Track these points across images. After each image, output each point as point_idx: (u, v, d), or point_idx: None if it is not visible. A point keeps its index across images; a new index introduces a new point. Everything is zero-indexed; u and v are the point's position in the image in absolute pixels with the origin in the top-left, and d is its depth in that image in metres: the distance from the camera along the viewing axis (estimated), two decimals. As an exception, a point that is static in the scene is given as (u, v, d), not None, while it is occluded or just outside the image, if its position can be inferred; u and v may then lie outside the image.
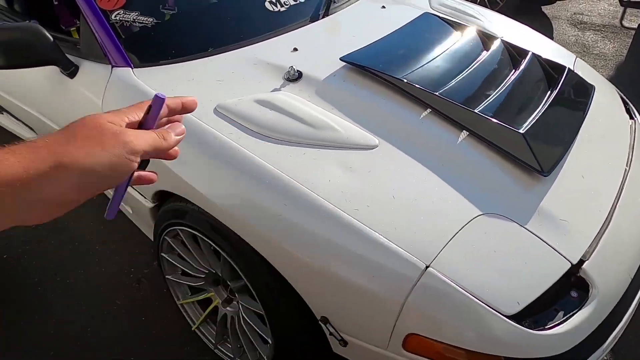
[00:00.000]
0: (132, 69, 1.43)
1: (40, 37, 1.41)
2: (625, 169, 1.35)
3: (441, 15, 1.85)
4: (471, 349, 0.97)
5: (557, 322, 1.02)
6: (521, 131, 1.22)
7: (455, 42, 1.60)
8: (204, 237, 1.23)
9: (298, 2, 1.81)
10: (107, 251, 1.93)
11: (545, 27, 4.05)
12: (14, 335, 1.63)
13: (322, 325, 1.11)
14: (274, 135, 1.20)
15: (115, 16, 1.49)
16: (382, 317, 1.02)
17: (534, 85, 1.49)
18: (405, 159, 1.20)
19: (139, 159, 0.47)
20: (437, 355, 1.01)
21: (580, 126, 1.38)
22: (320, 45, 1.59)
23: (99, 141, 0.44)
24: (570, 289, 1.08)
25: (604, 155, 1.38)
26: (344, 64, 1.46)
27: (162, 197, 1.40)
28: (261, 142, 1.19)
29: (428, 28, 1.69)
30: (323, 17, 1.80)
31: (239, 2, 1.78)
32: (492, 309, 0.96)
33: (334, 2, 1.87)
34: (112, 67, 1.45)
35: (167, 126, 0.52)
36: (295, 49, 1.54)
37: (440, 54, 1.52)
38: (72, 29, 2.19)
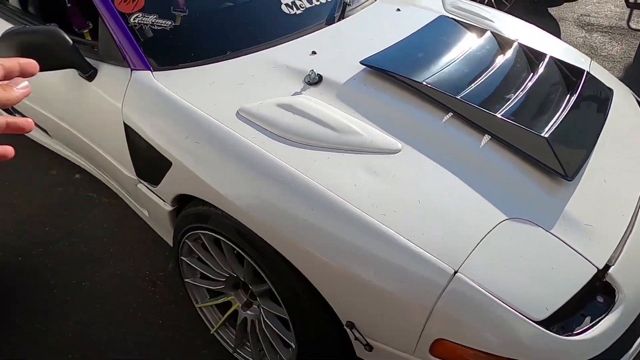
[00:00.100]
0: (151, 72, 1.43)
1: (60, 40, 1.41)
2: (647, 173, 1.35)
3: (456, 17, 1.85)
4: (500, 354, 0.97)
5: (585, 328, 1.02)
6: (545, 135, 1.22)
7: (473, 45, 1.60)
8: (228, 241, 1.23)
9: (313, 4, 1.81)
10: (121, 253, 1.93)
11: (552, 28, 4.05)
12: (32, 338, 1.63)
13: (348, 330, 1.11)
14: (298, 139, 1.20)
15: (133, 19, 1.49)
16: (409, 322, 1.02)
17: (553, 89, 1.49)
18: (428, 163, 1.20)
19: None
20: (465, 361, 1.00)
21: (601, 130, 1.38)
22: (338, 48, 1.59)
23: None
24: (596, 294, 1.08)
25: (625, 159, 1.38)
26: (364, 67, 1.46)
27: (182, 201, 1.40)
28: (285, 146, 1.18)
29: (445, 31, 1.69)
30: (339, 19, 1.80)
31: (256, 5, 1.78)
32: (521, 314, 0.96)
33: (349, 4, 1.87)
34: (132, 70, 1.44)
35: (7, 82, 0.50)
36: (314, 52, 1.54)
37: (458, 58, 1.52)
38: (84, 31, 2.19)
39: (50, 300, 1.75)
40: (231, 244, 1.22)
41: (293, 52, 1.55)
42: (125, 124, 1.42)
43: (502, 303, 0.96)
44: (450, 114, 1.32)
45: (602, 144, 1.36)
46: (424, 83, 1.35)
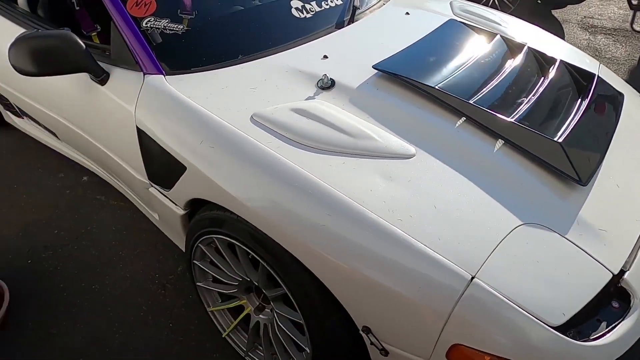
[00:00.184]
0: (164, 76, 1.43)
1: (73, 44, 1.41)
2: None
3: (465, 21, 1.85)
4: (517, 359, 0.97)
5: (601, 333, 1.02)
6: (559, 140, 1.22)
7: (484, 49, 1.61)
8: (242, 246, 1.23)
9: (323, 8, 1.82)
10: (131, 257, 1.93)
11: (556, 31, 4.05)
12: (42, 342, 1.63)
13: (364, 334, 1.11)
14: (313, 144, 1.20)
15: (145, 23, 1.50)
16: (426, 328, 1.02)
17: (564, 93, 1.50)
18: (443, 168, 1.20)
19: None
20: (482, 366, 1.01)
21: (613, 134, 1.38)
22: (350, 53, 1.60)
23: None
24: (611, 299, 1.09)
25: (637, 163, 1.38)
26: (376, 71, 1.46)
27: (194, 205, 1.41)
28: (300, 151, 1.19)
29: (455, 35, 1.70)
30: (348, 23, 1.80)
31: (267, 9, 1.78)
32: (538, 320, 0.96)
33: (358, 8, 1.87)
34: (144, 74, 1.45)
35: None
36: (325, 57, 1.55)
37: (470, 62, 1.52)
38: (93, 34, 2.20)
39: (60, 303, 1.76)
40: (246, 248, 1.23)
41: (304, 56, 1.55)
42: (138, 128, 1.42)
43: (519, 308, 0.97)
44: (463, 118, 1.32)
45: (614, 149, 1.37)
46: (437, 88, 1.35)
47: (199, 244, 1.39)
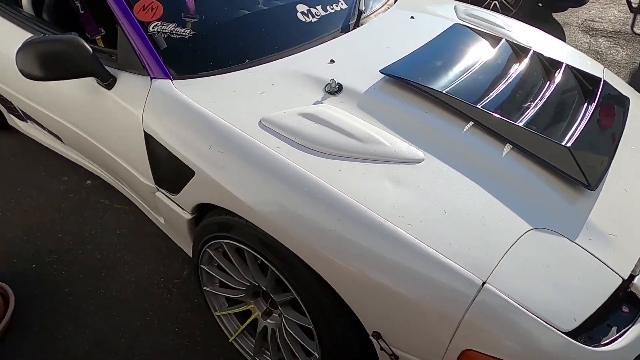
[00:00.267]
0: (171, 80, 1.43)
1: (81, 49, 1.41)
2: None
3: (470, 25, 1.85)
4: (529, 365, 0.97)
5: (612, 338, 1.02)
6: (567, 145, 1.22)
7: (489, 53, 1.61)
8: (252, 251, 1.23)
9: (328, 12, 1.82)
10: (136, 260, 1.93)
11: (557, 34, 4.06)
12: (48, 347, 1.63)
13: (374, 340, 1.11)
14: (322, 149, 1.20)
15: (152, 28, 1.50)
16: (437, 333, 1.02)
17: (570, 97, 1.50)
18: (452, 172, 1.20)
19: None
20: (494, 371, 1.01)
21: (620, 139, 1.39)
22: (356, 57, 1.60)
23: None
24: (621, 304, 1.09)
25: (644, 168, 1.39)
26: (383, 75, 1.46)
27: (202, 209, 1.41)
28: (309, 156, 1.19)
29: (461, 39, 1.70)
30: (354, 27, 1.81)
31: (273, 14, 1.78)
32: (550, 325, 0.96)
33: (363, 12, 1.87)
34: (151, 78, 1.45)
35: None
36: (332, 61, 1.55)
37: (476, 66, 1.53)
38: (97, 38, 2.20)
39: (65, 307, 1.75)
40: (255, 253, 1.23)
41: (311, 61, 1.55)
42: (145, 133, 1.42)
43: (530, 314, 0.97)
44: (471, 123, 1.33)
45: (621, 153, 1.37)
46: (444, 92, 1.36)
47: (207, 249, 1.38)
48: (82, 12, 2.14)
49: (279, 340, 1.38)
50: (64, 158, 2.25)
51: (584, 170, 1.20)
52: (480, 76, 1.49)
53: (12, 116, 2.43)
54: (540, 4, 4.22)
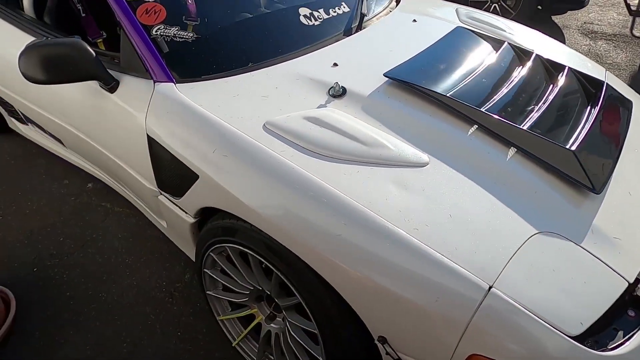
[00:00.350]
0: (174, 84, 1.43)
1: (84, 52, 1.41)
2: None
3: (472, 28, 1.86)
4: (536, 369, 0.97)
5: (618, 342, 1.02)
6: (572, 148, 1.22)
7: (492, 56, 1.61)
8: (256, 255, 1.23)
9: (331, 16, 1.82)
10: (137, 264, 1.92)
11: (557, 36, 4.07)
12: (49, 351, 1.62)
13: (379, 344, 1.10)
14: (327, 152, 1.20)
15: (155, 31, 1.50)
16: (444, 338, 1.01)
17: (573, 100, 1.50)
18: (456, 176, 1.20)
19: None
20: (501, 376, 1.00)
21: (624, 142, 1.39)
22: (359, 60, 1.60)
23: None
24: (627, 308, 1.08)
25: (648, 171, 1.39)
26: (386, 79, 1.46)
27: (205, 213, 1.40)
28: (314, 159, 1.18)
29: (463, 42, 1.70)
30: (356, 31, 1.81)
31: (276, 17, 1.78)
32: (557, 329, 0.96)
33: (366, 15, 1.88)
34: (155, 82, 1.44)
35: None
36: (335, 64, 1.55)
37: (479, 69, 1.53)
38: (98, 41, 2.20)
39: (66, 311, 1.74)
40: (259, 257, 1.22)
41: (314, 64, 1.55)
42: (148, 136, 1.41)
43: (537, 318, 0.96)
44: (475, 126, 1.32)
45: (625, 156, 1.37)
46: (448, 95, 1.36)
47: (210, 253, 1.38)
48: (83, 15, 2.14)
49: (282, 345, 1.38)
50: (65, 161, 2.24)
51: (588, 174, 1.20)
52: (484, 79, 1.49)
53: (13, 119, 2.42)
54: (540, 7, 4.23)
